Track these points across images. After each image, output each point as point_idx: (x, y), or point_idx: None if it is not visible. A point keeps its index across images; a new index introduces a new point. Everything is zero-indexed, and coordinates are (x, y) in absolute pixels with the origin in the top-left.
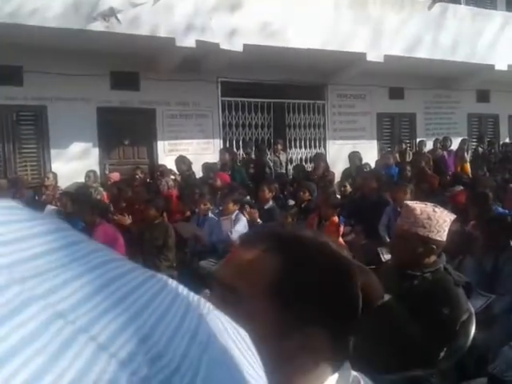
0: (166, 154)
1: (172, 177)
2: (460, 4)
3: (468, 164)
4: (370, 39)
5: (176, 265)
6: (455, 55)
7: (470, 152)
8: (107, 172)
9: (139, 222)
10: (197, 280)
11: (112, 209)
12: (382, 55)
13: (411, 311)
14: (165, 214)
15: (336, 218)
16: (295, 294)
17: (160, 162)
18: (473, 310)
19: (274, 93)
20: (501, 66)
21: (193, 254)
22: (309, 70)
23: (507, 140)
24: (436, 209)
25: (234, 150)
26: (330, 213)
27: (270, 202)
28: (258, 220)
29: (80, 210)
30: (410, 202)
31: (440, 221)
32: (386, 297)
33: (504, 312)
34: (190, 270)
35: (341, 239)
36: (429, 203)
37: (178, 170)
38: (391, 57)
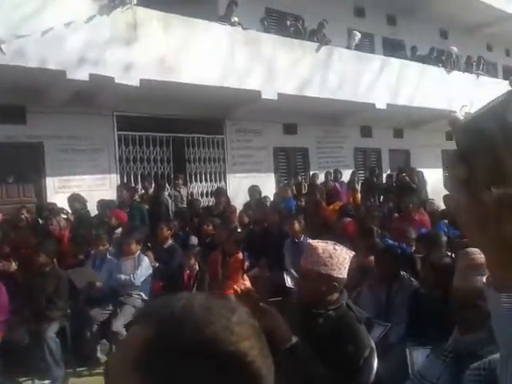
0: (56, 191)
1: (64, 216)
2: (343, 47)
3: (359, 195)
4: (264, 78)
5: (69, 313)
6: (341, 94)
7: (358, 183)
8: None
9: (26, 268)
10: (88, 330)
11: None
12: (275, 93)
13: (318, 350)
14: (55, 260)
15: (240, 255)
16: (163, 370)
17: (49, 200)
18: (374, 346)
19: (173, 127)
20: (380, 105)
21: (86, 302)
22: (207, 105)
23: (389, 172)
24: (336, 247)
25: (133, 185)
26: (233, 249)
27: (170, 241)
28: (153, 262)
29: None
30: (312, 242)
31: (341, 259)
32: (294, 339)
33: (399, 340)
34: (81, 319)
35: (246, 277)
36: (330, 241)
37: (71, 209)
38: (284, 95)
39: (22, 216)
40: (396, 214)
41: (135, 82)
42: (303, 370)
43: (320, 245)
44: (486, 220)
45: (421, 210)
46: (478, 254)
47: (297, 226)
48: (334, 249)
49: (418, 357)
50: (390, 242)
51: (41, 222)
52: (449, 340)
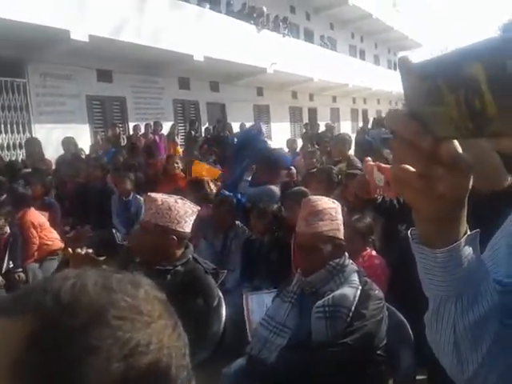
0: None
1: None
2: None
3: (179, 147)
4: (74, 15)
5: None
6: (158, 42)
7: (178, 136)
8: None
9: None
10: None
11: None
12: (86, 34)
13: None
14: None
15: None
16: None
17: None
18: (221, 295)
19: None
20: (198, 57)
21: None
22: (3, 43)
23: (207, 124)
24: (178, 200)
25: None
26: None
27: None
28: None
29: None
30: (152, 194)
31: (181, 211)
32: None
33: (235, 286)
34: None
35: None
36: (174, 196)
37: None
38: (97, 37)
39: None
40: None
41: None
42: None
43: (160, 197)
44: (436, 178)
45: None
46: (319, 202)
47: (128, 184)
48: (176, 202)
49: (253, 301)
50: (226, 192)
51: None
52: (293, 282)
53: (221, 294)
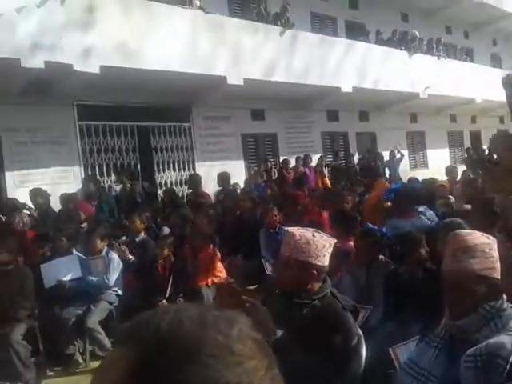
0: (17, 185)
1: (27, 211)
2: (307, 31)
3: (327, 178)
4: (229, 63)
5: (37, 314)
6: (307, 78)
7: (326, 167)
8: None
9: None
10: (58, 331)
11: None
12: (241, 78)
13: (303, 343)
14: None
15: (210, 249)
16: None
17: (10, 195)
18: (361, 333)
19: (137, 116)
20: (346, 88)
21: (57, 302)
22: (172, 92)
23: (356, 155)
24: (316, 233)
25: (98, 177)
26: (201, 245)
27: (142, 234)
28: (130, 256)
29: None
30: (290, 228)
31: (319, 245)
32: (279, 332)
33: (379, 323)
34: (52, 318)
35: (221, 268)
36: (310, 228)
37: (34, 204)
38: (250, 80)
39: None
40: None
41: (95, 69)
42: (290, 366)
43: (298, 231)
44: None
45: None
46: (469, 236)
47: (274, 218)
48: (313, 235)
49: (402, 354)
50: (370, 225)
51: (3, 218)
52: (440, 325)
53: (360, 332)
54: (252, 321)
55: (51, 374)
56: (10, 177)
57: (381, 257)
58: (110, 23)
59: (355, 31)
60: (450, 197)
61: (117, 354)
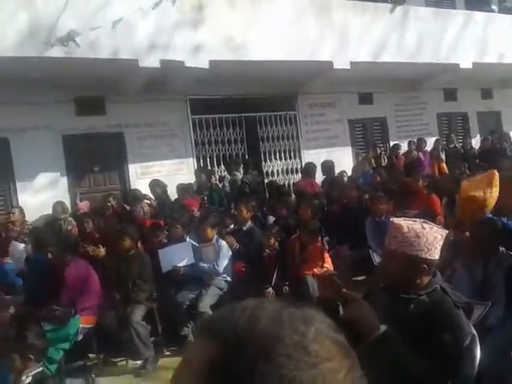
0: (139, 177)
1: (147, 201)
2: (420, 6)
3: (444, 163)
4: (335, 47)
5: (155, 296)
6: (420, 57)
7: (443, 151)
8: (78, 201)
9: (113, 253)
10: (174, 313)
11: (81, 240)
12: (348, 62)
13: (409, 341)
14: (140, 244)
15: (319, 243)
16: None
17: (132, 186)
18: (475, 332)
19: (245, 107)
20: (465, 64)
21: (172, 285)
22: (277, 82)
23: (478, 137)
24: (425, 225)
25: (209, 168)
26: (309, 239)
27: (249, 222)
28: (235, 244)
29: (47, 246)
30: (396, 219)
31: (430, 238)
32: (382, 327)
33: (499, 322)
34: (169, 301)
35: (327, 258)
36: (417, 219)
37: (153, 194)
38: (357, 63)
39: (109, 204)
40: None
41: (204, 64)
42: (395, 364)
43: (405, 223)
44: None
45: None
46: None
47: (381, 206)
48: (422, 227)
49: None
50: (490, 215)
51: (127, 208)
52: None
53: (474, 331)
54: (352, 316)
55: (168, 353)
56: (132, 169)
57: (501, 249)
58: (218, 19)
59: (475, 2)
60: None
61: (200, 345)
